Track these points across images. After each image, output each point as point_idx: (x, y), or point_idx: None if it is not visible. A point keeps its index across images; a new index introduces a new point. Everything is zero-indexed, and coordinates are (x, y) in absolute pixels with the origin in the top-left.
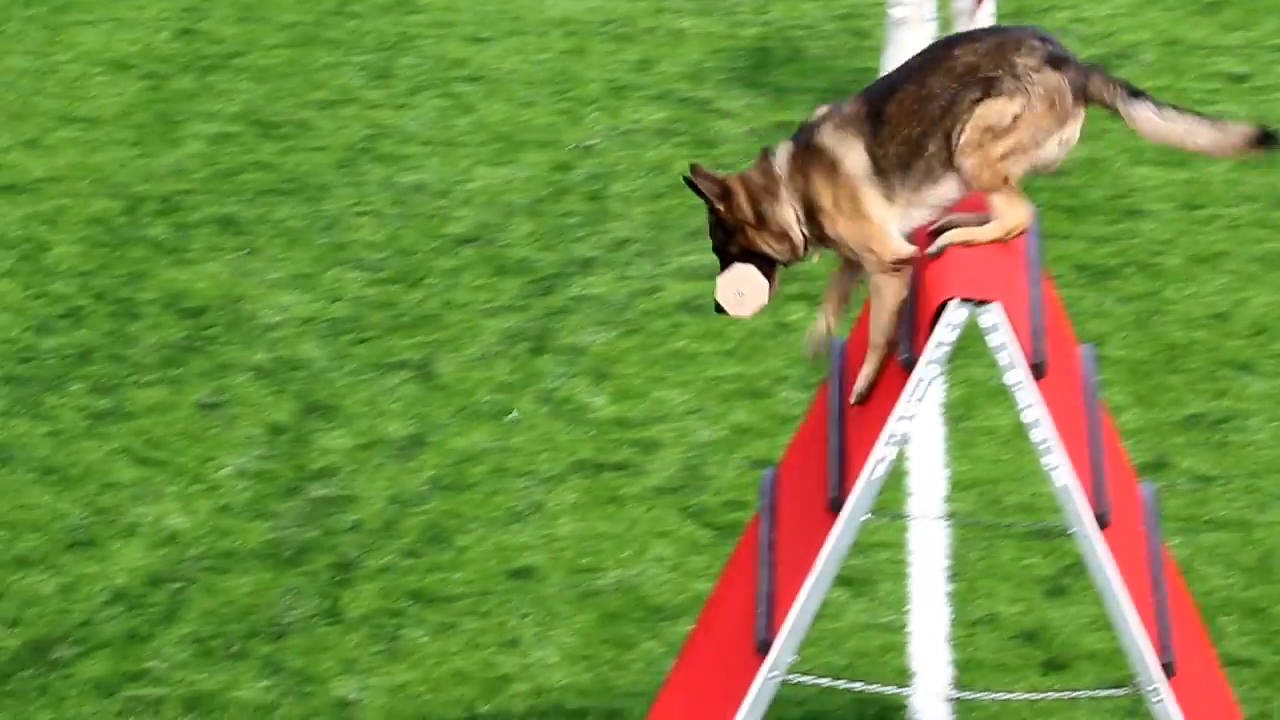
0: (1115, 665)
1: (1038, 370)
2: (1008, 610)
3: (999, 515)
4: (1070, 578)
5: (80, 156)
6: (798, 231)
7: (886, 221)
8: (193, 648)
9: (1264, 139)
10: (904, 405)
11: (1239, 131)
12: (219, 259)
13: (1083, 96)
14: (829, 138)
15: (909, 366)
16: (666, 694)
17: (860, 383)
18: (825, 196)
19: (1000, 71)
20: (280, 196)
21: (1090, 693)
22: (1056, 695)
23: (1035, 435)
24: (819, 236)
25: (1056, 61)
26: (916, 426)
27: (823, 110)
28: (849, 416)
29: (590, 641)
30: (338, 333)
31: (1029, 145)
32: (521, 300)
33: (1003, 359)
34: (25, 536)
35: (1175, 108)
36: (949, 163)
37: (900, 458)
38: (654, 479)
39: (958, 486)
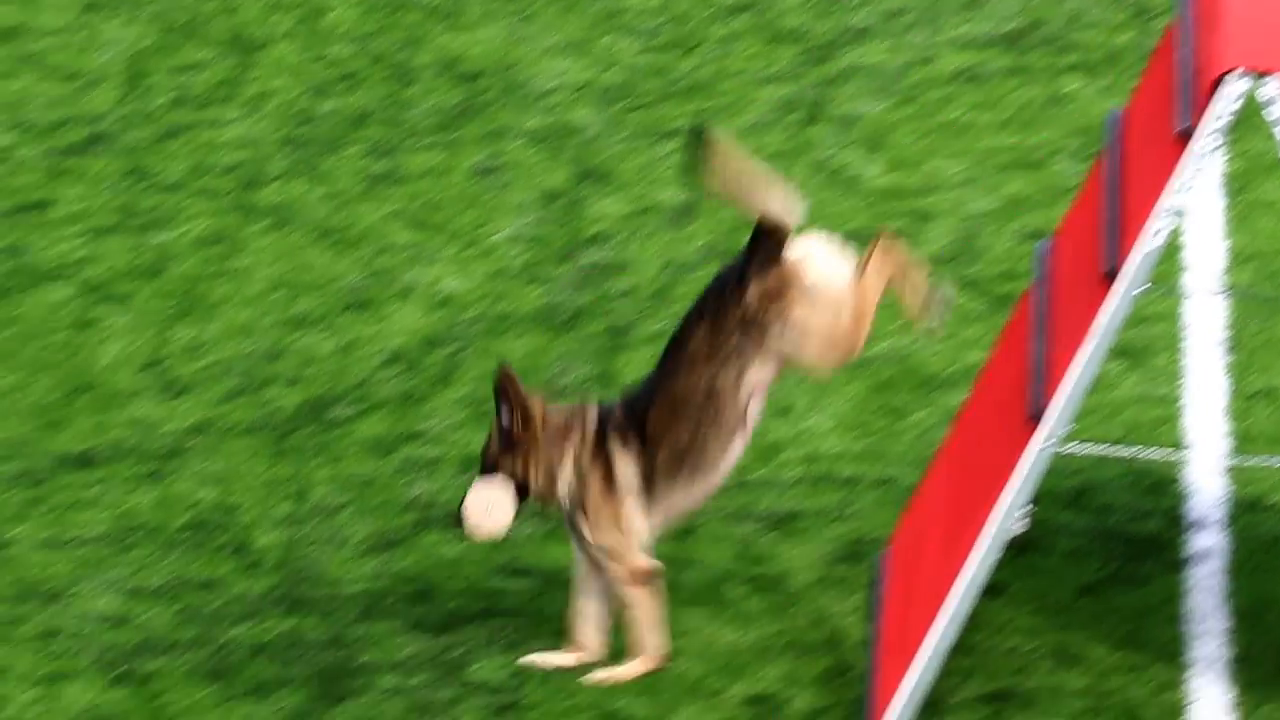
0: None
1: None
2: None
3: (1278, 289)
4: None
5: None
6: (560, 488)
7: (638, 536)
8: (468, 410)
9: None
10: (1181, 178)
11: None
12: (494, 24)
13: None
14: (614, 444)
15: (1187, 137)
16: (939, 463)
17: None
18: (593, 500)
19: (731, 336)
20: None
21: None
22: None
23: None
24: (570, 521)
25: (740, 277)
26: (1194, 199)
27: (601, 410)
28: (1127, 188)
29: (862, 410)
30: (611, 100)
31: (835, 303)
32: (795, 69)
33: None
34: (304, 297)
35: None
36: (717, 450)
37: (1178, 231)
38: (928, 249)
39: (1236, 259)
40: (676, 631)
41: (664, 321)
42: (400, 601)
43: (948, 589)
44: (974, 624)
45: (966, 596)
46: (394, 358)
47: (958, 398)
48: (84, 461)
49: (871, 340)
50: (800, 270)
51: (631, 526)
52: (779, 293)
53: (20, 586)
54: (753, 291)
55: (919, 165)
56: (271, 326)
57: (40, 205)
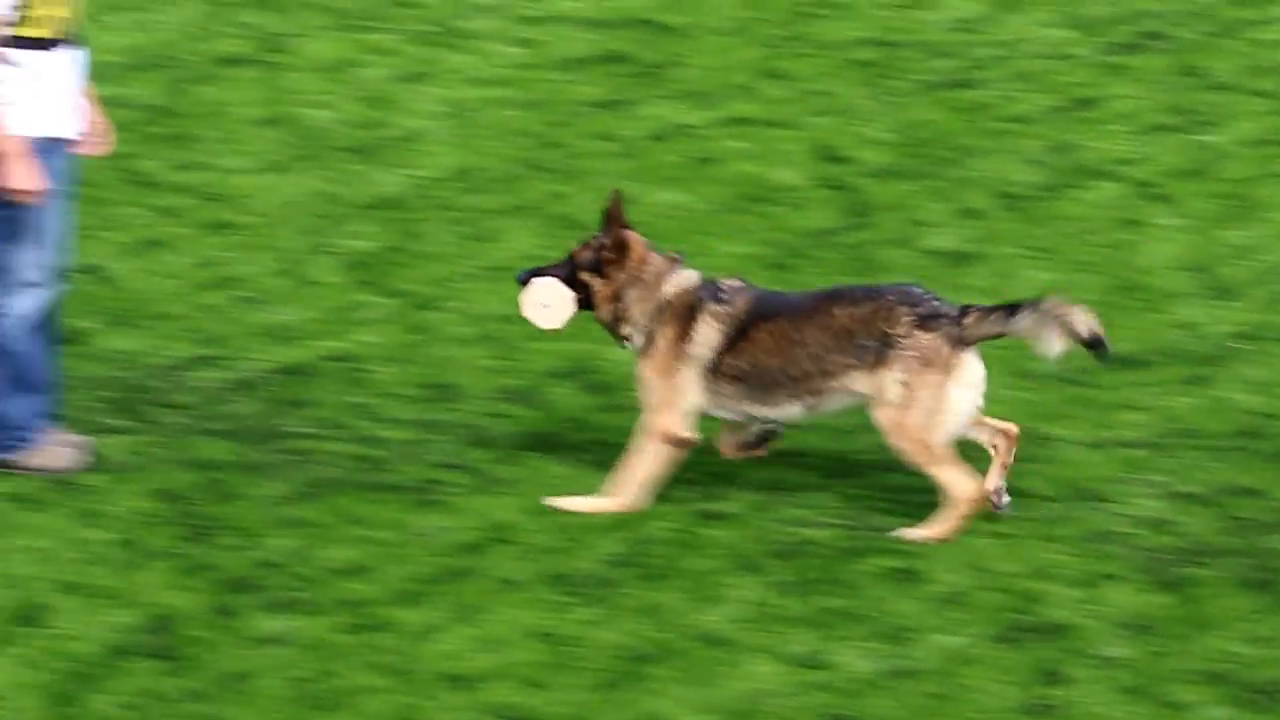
0: None
1: None
2: None
3: None
4: None
5: None
6: (626, 329)
7: (684, 397)
8: None
9: (1094, 344)
10: None
11: (1082, 326)
12: None
13: (961, 343)
14: (708, 314)
15: None
16: None
17: (570, 502)
18: (659, 352)
19: (872, 341)
20: None
21: None
22: None
23: None
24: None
25: (926, 322)
26: None
27: (734, 283)
28: None
29: None
30: None
31: (934, 407)
32: None
33: None
34: None
35: (1043, 307)
36: (786, 400)
37: None
38: None
39: None
40: None
41: None
42: None
43: None
44: None
45: None
46: None
47: None
48: (1130, 363)
49: None
50: (941, 358)
51: (683, 389)
52: (924, 360)
53: (1062, 486)
54: (913, 341)
55: None
56: None
57: (1092, 102)
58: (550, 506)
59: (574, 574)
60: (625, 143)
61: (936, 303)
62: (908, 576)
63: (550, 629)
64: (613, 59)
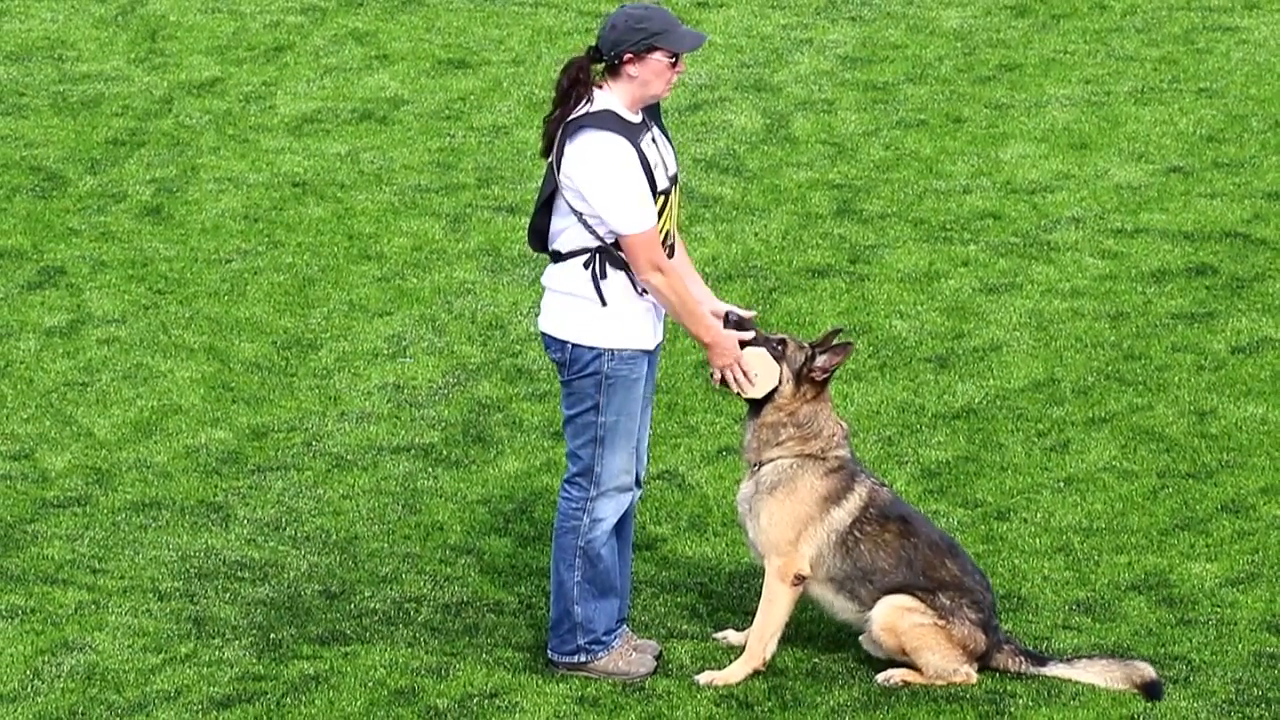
0: None
1: None
2: None
3: None
4: None
5: None
6: (773, 453)
7: (810, 546)
8: None
9: (1150, 688)
10: None
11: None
12: None
13: (990, 653)
14: (868, 484)
15: None
16: None
17: (711, 677)
18: (808, 491)
19: (946, 603)
20: None
21: None
22: None
23: None
24: (747, 498)
25: (985, 628)
26: None
27: (885, 489)
28: None
29: None
30: None
31: (938, 652)
32: None
33: None
34: None
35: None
36: (859, 601)
37: None
38: None
39: None
40: None
41: None
42: None
43: None
44: None
45: None
46: None
47: None
48: None
49: None
50: (970, 650)
51: (811, 540)
52: (961, 644)
53: None
54: (978, 637)
55: None
56: None
57: None
58: (704, 684)
59: None
60: (1209, 355)
61: (997, 621)
62: None
63: None
64: (1201, 271)
